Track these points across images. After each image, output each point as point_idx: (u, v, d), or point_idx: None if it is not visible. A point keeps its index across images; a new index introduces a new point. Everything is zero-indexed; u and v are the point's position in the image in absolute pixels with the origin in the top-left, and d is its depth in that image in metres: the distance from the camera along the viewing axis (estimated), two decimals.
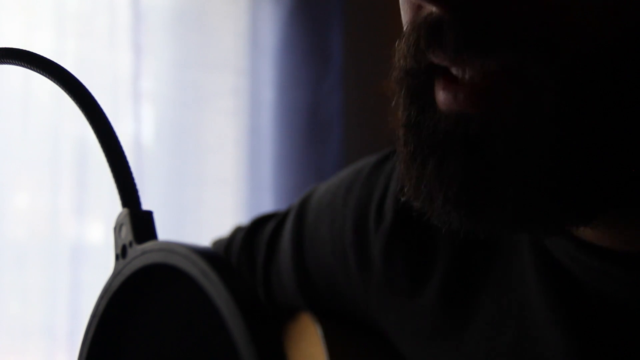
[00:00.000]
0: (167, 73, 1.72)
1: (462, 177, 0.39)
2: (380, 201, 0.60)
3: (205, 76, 1.78)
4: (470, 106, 0.39)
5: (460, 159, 0.39)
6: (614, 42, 0.37)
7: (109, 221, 1.56)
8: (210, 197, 1.79)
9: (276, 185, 1.86)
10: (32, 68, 0.36)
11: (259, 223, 0.73)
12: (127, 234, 0.33)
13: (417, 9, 0.41)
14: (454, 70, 0.39)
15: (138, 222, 0.33)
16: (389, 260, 0.59)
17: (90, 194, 1.56)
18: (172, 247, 0.29)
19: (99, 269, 1.52)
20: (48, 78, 0.36)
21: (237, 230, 0.75)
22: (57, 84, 0.35)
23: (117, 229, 0.33)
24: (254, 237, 0.72)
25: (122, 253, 0.33)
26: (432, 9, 0.39)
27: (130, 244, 0.32)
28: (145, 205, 0.34)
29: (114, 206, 0.37)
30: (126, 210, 0.33)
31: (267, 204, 1.81)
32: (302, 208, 0.68)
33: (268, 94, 1.87)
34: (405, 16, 0.43)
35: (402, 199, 0.43)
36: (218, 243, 0.76)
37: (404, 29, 0.42)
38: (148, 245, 0.31)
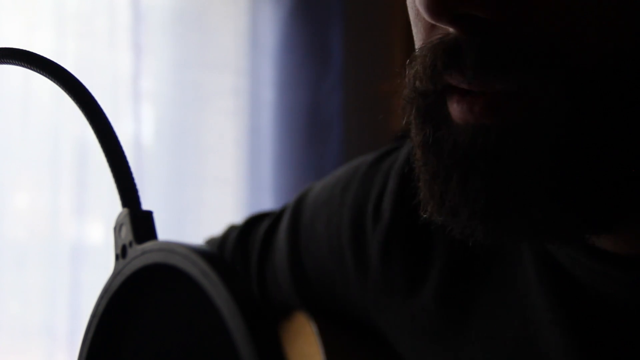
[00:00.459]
0: (167, 73, 1.72)
1: (488, 191, 0.39)
2: (377, 199, 0.60)
3: (205, 76, 1.78)
4: (486, 117, 0.39)
5: (484, 173, 0.39)
6: (619, 54, 0.37)
7: (109, 221, 1.56)
8: (210, 197, 1.79)
9: (276, 185, 1.86)
10: (32, 68, 0.36)
11: (253, 222, 0.72)
12: (127, 234, 0.33)
13: (431, 28, 0.41)
14: (465, 86, 0.39)
15: (138, 222, 0.33)
16: (386, 260, 0.58)
17: (90, 194, 1.56)
18: (172, 247, 0.29)
19: (99, 269, 1.52)
20: (48, 78, 0.36)
21: (231, 229, 0.74)
22: (57, 84, 0.35)
23: (117, 229, 0.33)
24: (248, 235, 0.71)
25: (122, 253, 0.33)
26: (449, 29, 0.39)
27: (130, 244, 0.32)
28: (145, 205, 0.34)
29: (114, 206, 0.37)
30: (126, 210, 0.33)
31: (267, 204, 1.81)
32: (298, 206, 0.67)
33: (268, 94, 1.86)
34: (417, 34, 0.43)
35: (424, 216, 0.43)
36: (212, 242, 0.75)
37: (417, 47, 0.42)
38: (148, 245, 0.31)
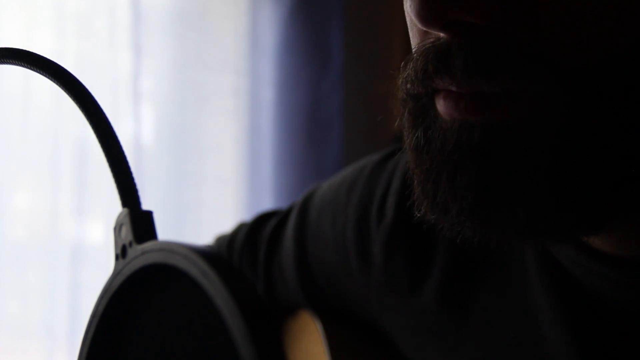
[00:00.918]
0: (167, 73, 1.72)
1: (476, 187, 0.39)
2: (382, 199, 0.60)
3: (205, 76, 1.78)
4: (471, 114, 0.39)
5: (471, 170, 0.39)
6: (613, 56, 0.37)
7: (109, 221, 1.56)
8: (210, 197, 1.79)
9: (276, 185, 1.86)
10: (32, 68, 0.36)
11: (262, 220, 0.73)
12: (127, 234, 0.33)
13: (424, 33, 0.41)
14: (454, 89, 0.40)
15: (138, 222, 0.33)
16: (389, 258, 0.59)
17: (90, 194, 1.56)
18: (172, 247, 0.29)
19: (99, 269, 1.52)
20: (48, 78, 0.36)
21: (241, 227, 0.75)
22: (57, 84, 0.36)
23: (117, 229, 0.33)
24: (256, 233, 0.72)
25: (122, 253, 0.33)
26: (440, 34, 0.39)
27: (130, 244, 0.32)
28: (145, 205, 0.34)
29: (114, 206, 0.37)
30: (126, 210, 0.33)
31: (267, 204, 1.81)
32: (304, 205, 0.68)
33: (268, 94, 1.87)
34: (413, 38, 0.43)
35: (418, 215, 0.43)
36: (221, 239, 0.76)
37: (413, 49, 0.43)
38: (148, 245, 0.31)
